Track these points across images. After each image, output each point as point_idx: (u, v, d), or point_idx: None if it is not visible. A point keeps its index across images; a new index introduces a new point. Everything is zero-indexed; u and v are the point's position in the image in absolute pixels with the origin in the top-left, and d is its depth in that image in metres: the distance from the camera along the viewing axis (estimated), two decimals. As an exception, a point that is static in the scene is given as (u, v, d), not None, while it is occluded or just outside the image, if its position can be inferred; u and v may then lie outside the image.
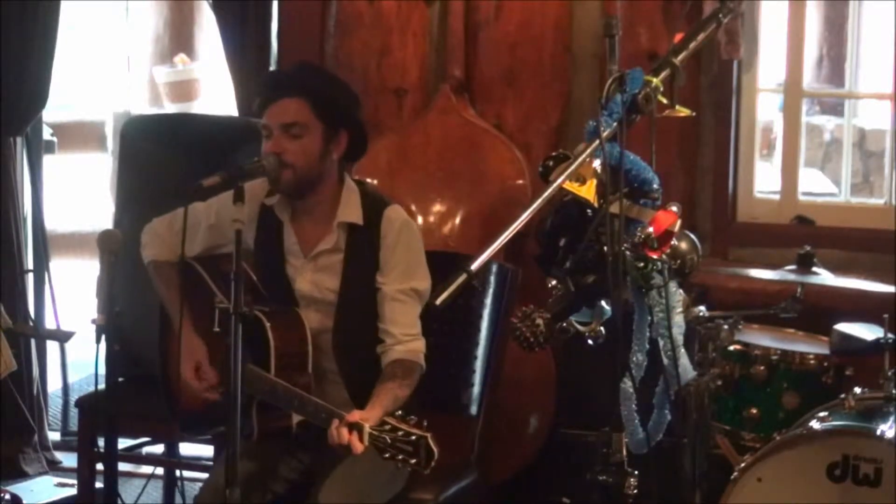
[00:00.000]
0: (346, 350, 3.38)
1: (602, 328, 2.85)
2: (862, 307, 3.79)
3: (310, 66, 3.60)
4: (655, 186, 2.88)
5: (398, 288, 3.34)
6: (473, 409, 3.72)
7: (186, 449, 4.59)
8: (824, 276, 3.74)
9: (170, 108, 8.00)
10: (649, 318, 2.92)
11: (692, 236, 2.90)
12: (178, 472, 4.32)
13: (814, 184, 6.00)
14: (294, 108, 3.29)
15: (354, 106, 3.45)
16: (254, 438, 3.25)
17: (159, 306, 3.50)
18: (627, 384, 2.94)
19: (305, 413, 3.16)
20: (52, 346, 5.37)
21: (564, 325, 2.83)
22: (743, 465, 3.51)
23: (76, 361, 5.45)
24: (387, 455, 2.92)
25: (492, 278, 3.75)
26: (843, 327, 3.64)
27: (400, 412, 2.99)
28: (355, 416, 3.01)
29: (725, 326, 3.49)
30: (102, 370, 3.36)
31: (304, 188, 3.35)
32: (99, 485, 3.84)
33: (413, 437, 2.89)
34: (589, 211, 2.75)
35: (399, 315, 3.33)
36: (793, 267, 3.78)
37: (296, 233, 3.42)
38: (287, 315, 3.34)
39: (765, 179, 4.83)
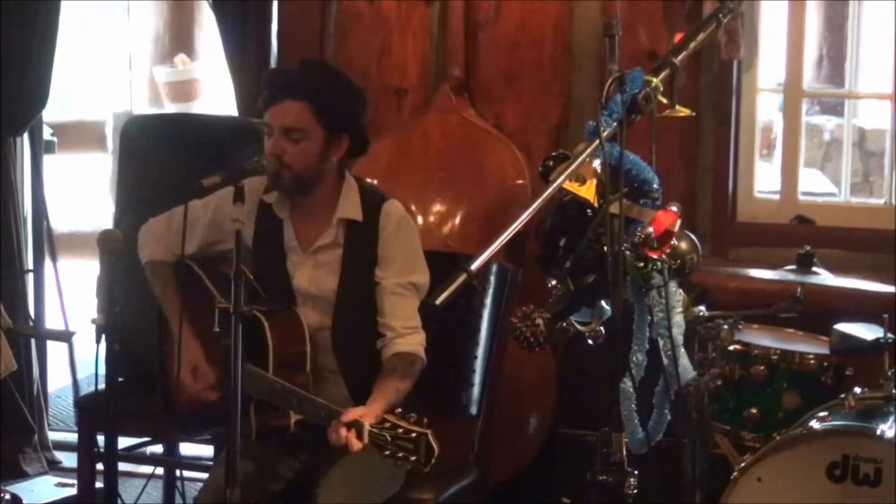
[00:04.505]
0: (346, 347, 3.38)
1: (602, 328, 2.84)
2: (862, 307, 3.79)
3: (317, 66, 3.58)
4: (655, 186, 2.88)
5: (397, 282, 3.35)
6: (473, 409, 3.72)
7: (186, 449, 4.59)
8: (824, 276, 3.73)
9: (170, 108, 8.00)
10: (649, 318, 2.91)
11: (692, 236, 2.89)
12: (178, 472, 4.33)
13: (814, 184, 6.00)
14: (296, 111, 3.29)
15: (358, 109, 3.44)
16: (252, 438, 3.25)
17: (157, 308, 3.50)
18: (627, 384, 2.94)
19: (304, 412, 3.16)
20: (53, 346, 5.37)
21: (564, 325, 2.82)
22: (743, 465, 3.51)
23: (76, 361, 5.45)
24: (387, 452, 2.91)
25: (492, 278, 3.75)
26: (843, 327, 3.64)
27: (400, 410, 2.99)
28: (353, 413, 3.01)
29: (725, 326, 3.49)
30: (102, 370, 3.36)
31: (303, 187, 3.36)
32: (99, 485, 3.84)
33: (413, 435, 2.89)
34: (589, 211, 2.74)
35: (399, 308, 3.34)
36: (793, 267, 3.77)
37: (294, 229, 3.43)
38: (285, 314, 3.34)
39: (765, 179, 4.83)
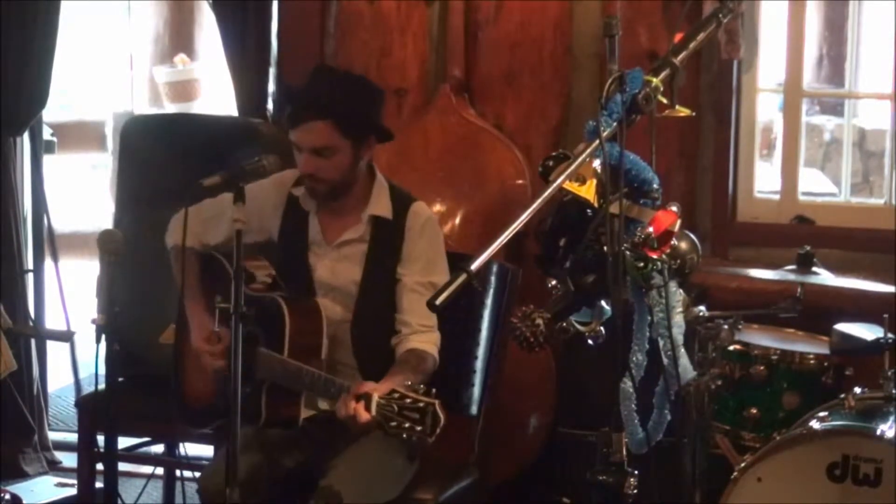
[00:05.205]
0: (364, 340, 3.44)
1: (602, 328, 2.84)
2: (862, 307, 3.79)
3: (329, 79, 3.52)
4: (655, 186, 2.87)
5: (418, 280, 3.42)
6: (473, 409, 3.72)
7: (186, 449, 4.58)
8: (824, 276, 3.73)
9: (170, 108, 8.00)
10: (649, 318, 2.91)
11: (692, 236, 2.89)
12: (178, 472, 4.33)
13: (814, 184, 6.00)
14: (321, 132, 3.35)
15: (379, 110, 3.50)
16: (260, 424, 3.27)
17: (179, 297, 3.54)
18: (627, 384, 2.93)
19: (316, 388, 3.21)
20: (53, 346, 5.37)
21: (564, 325, 2.82)
22: (743, 465, 3.51)
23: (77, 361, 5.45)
24: (393, 424, 2.92)
25: (492, 278, 3.75)
26: (843, 327, 3.64)
27: (409, 382, 3.01)
28: (365, 386, 3.05)
29: (725, 326, 3.49)
30: (102, 370, 3.36)
31: (339, 194, 3.45)
32: (99, 485, 3.84)
33: (421, 405, 2.90)
34: (589, 211, 2.74)
35: (417, 306, 3.39)
36: (793, 267, 3.77)
37: (321, 222, 3.50)
38: (306, 303, 3.41)
39: (765, 179, 4.83)
